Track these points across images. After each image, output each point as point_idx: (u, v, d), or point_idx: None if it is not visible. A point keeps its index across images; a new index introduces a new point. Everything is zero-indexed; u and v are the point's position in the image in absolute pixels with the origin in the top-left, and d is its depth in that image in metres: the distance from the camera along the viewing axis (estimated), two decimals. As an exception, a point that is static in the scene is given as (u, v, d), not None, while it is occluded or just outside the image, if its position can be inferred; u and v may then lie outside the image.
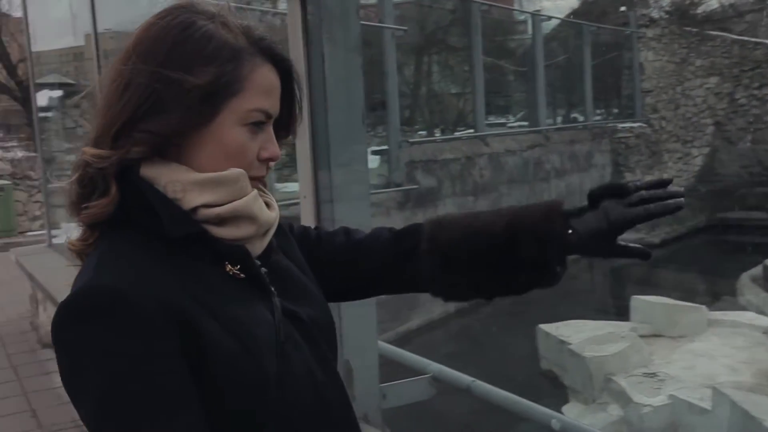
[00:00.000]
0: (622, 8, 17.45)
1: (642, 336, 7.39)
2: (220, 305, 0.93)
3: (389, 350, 2.64)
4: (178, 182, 0.95)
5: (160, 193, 0.95)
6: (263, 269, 1.03)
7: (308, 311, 1.06)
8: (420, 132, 17.06)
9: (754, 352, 6.94)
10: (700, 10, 18.21)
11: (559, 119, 17.36)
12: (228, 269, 0.98)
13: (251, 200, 0.99)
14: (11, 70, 21.01)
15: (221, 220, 0.97)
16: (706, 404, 5.43)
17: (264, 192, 1.06)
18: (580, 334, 7.30)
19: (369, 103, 15.61)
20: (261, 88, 0.98)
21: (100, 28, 6.06)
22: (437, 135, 15.08)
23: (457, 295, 1.20)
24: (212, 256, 0.97)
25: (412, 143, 10.27)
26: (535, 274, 1.13)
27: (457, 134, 12.77)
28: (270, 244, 1.05)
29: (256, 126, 0.99)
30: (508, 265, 1.13)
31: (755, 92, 16.91)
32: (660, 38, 17.03)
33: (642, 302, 7.80)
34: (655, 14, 17.40)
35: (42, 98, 12.23)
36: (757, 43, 17.11)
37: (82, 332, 0.87)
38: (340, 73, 2.55)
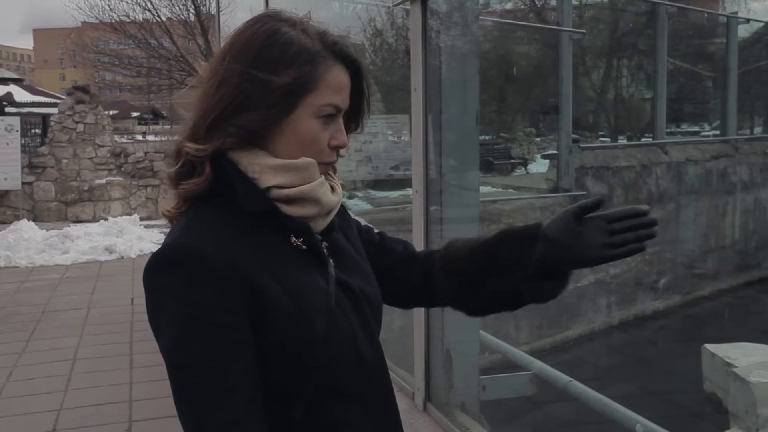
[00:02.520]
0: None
1: (824, 367, 6.78)
2: (283, 271, 1.12)
3: (492, 342, 2.71)
4: (256, 165, 1.13)
5: (242, 173, 1.13)
6: (324, 243, 1.21)
7: (360, 284, 1.22)
8: (603, 138, 16.58)
9: None
10: None
11: (757, 129, 16.15)
12: (293, 241, 1.15)
13: (317, 185, 1.16)
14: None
15: (290, 200, 1.14)
16: None
17: (332, 177, 1.24)
18: (748, 357, 6.79)
19: (542, 107, 15.41)
20: (333, 86, 1.14)
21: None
22: (622, 141, 14.57)
23: (458, 299, 1.35)
24: (280, 229, 1.15)
25: (584, 148, 10.02)
26: (514, 279, 1.26)
27: (633, 142, 12.29)
28: (332, 222, 1.22)
29: (328, 118, 1.15)
30: (494, 267, 1.28)
31: None
32: None
33: (827, 330, 7.14)
34: None
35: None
36: None
37: (165, 280, 1.06)
38: (457, 79, 2.65)
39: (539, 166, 13.39)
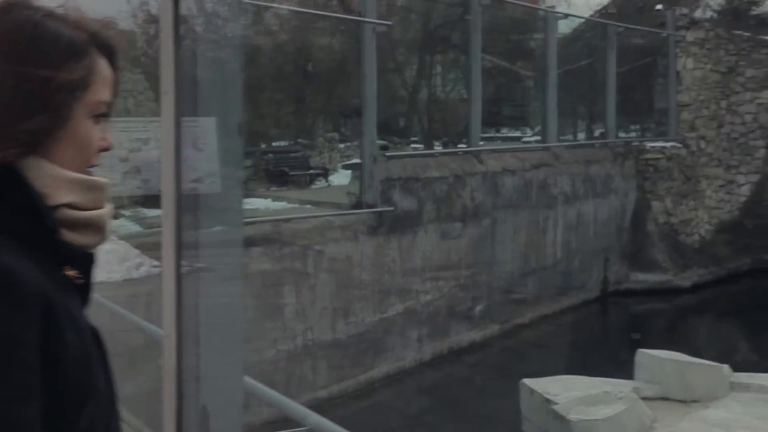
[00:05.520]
0: (658, 6, 17.58)
1: (645, 398, 7.41)
2: (69, 307, 1.10)
3: (260, 391, 2.76)
4: (48, 177, 1.11)
5: (30, 186, 1.10)
6: None
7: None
8: (415, 145, 17.22)
9: (780, 423, 6.96)
10: (758, 10, 18.36)
11: (581, 135, 17.50)
12: (69, 273, 1.14)
13: (107, 213, 1.19)
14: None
15: (75, 225, 1.14)
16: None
17: None
18: (569, 393, 7.32)
19: (343, 110, 15.80)
20: (104, 79, 1.19)
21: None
22: (438, 148, 15.18)
23: None
24: (55, 258, 1.12)
25: (390, 157, 10.37)
26: None
27: (449, 149, 12.90)
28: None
29: (99, 117, 1.18)
30: None
31: (817, 110, 17.03)
32: (703, 43, 17.15)
33: (649, 357, 7.81)
34: (699, 14, 17.53)
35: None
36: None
37: None
38: (216, 76, 2.68)
39: (343, 177, 13.69)
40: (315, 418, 2.68)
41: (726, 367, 7.73)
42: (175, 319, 2.58)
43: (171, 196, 2.59)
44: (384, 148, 11.66)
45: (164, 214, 2.68)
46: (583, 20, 16.73)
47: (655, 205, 15.34)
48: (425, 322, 10.17)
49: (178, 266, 2.57)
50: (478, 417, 8.64)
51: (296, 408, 2.71)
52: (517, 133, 20.01)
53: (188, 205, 2.60)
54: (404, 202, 10.07)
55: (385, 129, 13.43)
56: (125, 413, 3.97)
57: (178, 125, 2.59)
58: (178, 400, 2.49)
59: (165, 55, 2.63)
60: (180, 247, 2.58)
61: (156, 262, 8.48)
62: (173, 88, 2.58)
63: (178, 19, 2.59)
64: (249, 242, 8.10)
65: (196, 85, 2.61)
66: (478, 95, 11.94)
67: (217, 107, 2.75)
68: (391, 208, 9.78)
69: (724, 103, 17.08)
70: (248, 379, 2.75)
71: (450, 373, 10.08)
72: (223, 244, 2.75)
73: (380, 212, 9.68)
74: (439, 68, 19.22)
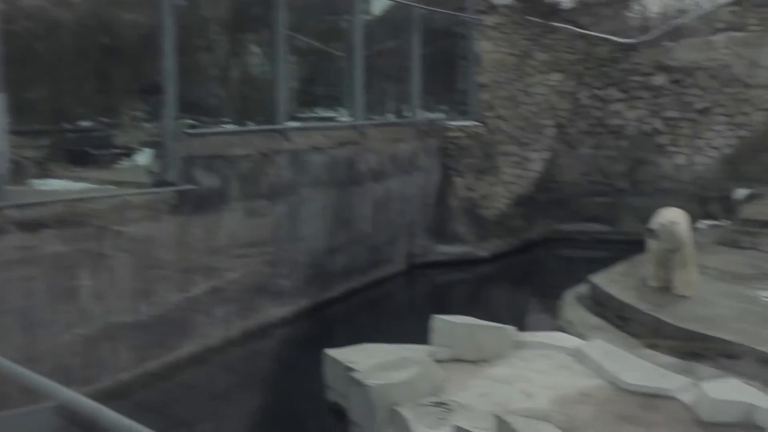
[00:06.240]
0: (458, -11, 18.08)
1: (440, 361, 7.70)
2: None
3: (6, 369, 2.62)
4: None
5: None
6: None
7: None
8: (227, 125, 16.89)
9: (554, 376, 7.41)
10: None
11: (390, 115, 17.77)
12: None
13: None
14: None
15: None
16: (489, 434, 5.76)
17: None
18: (370, 360, 7.48)
19: (146, 88, 15.27)
20: None
21: None
22: (251, 127, 14.97)
23: None
24: None
25: (192, 135, 10.13)
26: None
27: (250, 128, 12.76)
28: None
29: None
30: None
31: (598, 92, 18.13)
32: (500, 27, 17.83)
33: (442, 323, 8.12)
34: (496, 0, 18.21)
35: None
36: (602, 39, 18.36)
37: None
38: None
39: (147, 156, 13.29)
40: (65, 393, 2.57)
41: (511, 328, 8.16)
42: None
43: None
44: (193, 127, 11.36)
45: None
46: (389, 2, 16.94)
47: (457, 181, 15.85)
48: (232, 299, 10.06)
49: None
50: (284, 389, 8.67)
51: (44, 383, 2.58)
52: (332, 113, 20.01)
53: None
54: (208, 180, 9.88)
55: (195, 108, 13.10)
56: None
57: None
58: None
59: None
60: None
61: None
62: None
63: None
64: (41, 224, 7.71)
65: None
66: (283, 73, 11.90)
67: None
68: (194, 187, 9.58)
69: (519, 85, 17.83)
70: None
71: (258, 349, 10.04)
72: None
73: (182, 191, 9.45)
74: (251, 47, 18.94)
